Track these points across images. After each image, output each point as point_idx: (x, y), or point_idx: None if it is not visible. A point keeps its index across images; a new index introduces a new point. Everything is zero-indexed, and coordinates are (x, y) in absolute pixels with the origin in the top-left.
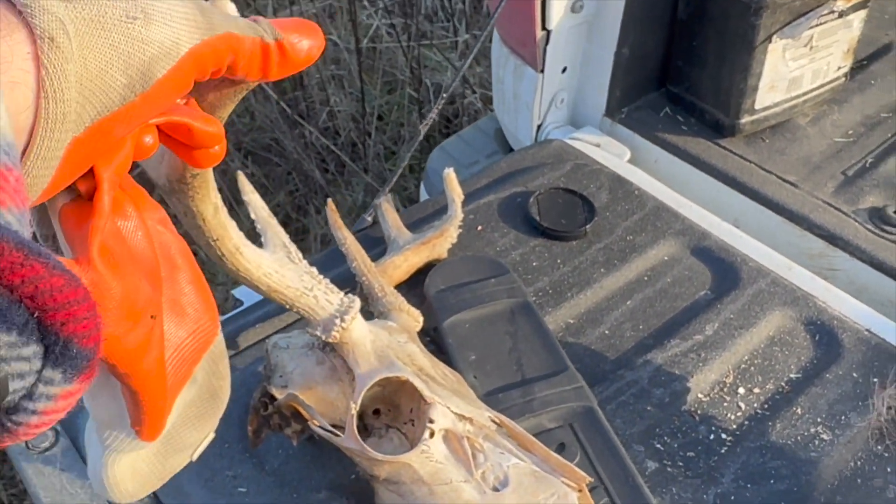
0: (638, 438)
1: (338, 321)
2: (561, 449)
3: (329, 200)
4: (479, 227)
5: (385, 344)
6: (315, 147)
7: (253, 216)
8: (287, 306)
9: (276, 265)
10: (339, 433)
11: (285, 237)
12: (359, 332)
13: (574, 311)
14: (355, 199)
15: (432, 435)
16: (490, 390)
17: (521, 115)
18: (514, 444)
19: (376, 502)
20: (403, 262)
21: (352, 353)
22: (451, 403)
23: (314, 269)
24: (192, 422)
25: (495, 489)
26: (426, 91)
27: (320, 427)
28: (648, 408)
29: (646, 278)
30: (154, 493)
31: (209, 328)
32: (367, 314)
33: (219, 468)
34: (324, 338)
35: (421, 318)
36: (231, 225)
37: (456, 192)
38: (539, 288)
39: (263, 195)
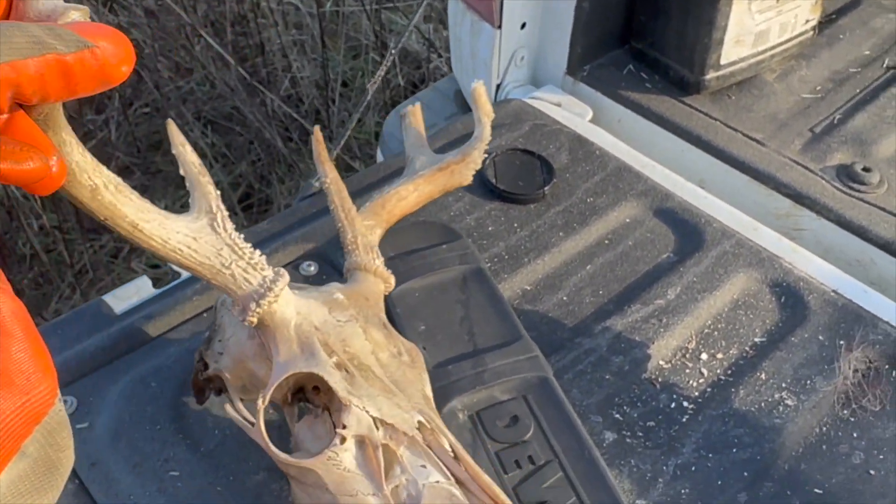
0: (596, 409)
1: (253, 304)
2: (514, 422)
3: (316, 128)
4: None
5: (316, 325)
6: (277, 115)
7: (182, 172)
8: (206, 281)
9: (190, 236)
10: (252, 422)
11: (214, 200)
12: (282, 315)
13: (531, 278)
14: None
15: (343, 441)
16: (440, 362)
17: (479, 75)
18: (443, 456)
19: (291, 495)
20: (412, 192)
21: (272, 338)
22: (372, 406)
23: (240, 240)
24: (23, 497)
25: None
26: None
27: (234, 412)
28: (607, 376)
29: (606, 242)
30: (80, 480)
31: (44, 398)
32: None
33: (149, 452)
34: (240, 319)
35: (392, 281)
36: (123, 201)
37: (485, 110)
38: (495, 254)
39: (224, 166)
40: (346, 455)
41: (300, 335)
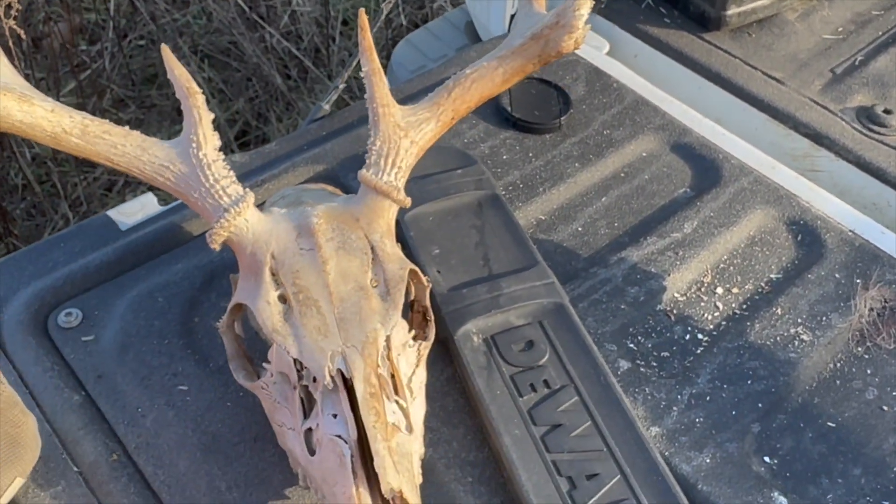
0: (610, 337)
1: (214, 225)
2: (529, 347)
3: (361, 11)
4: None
5: (273, 253)
6: (276, 51)
7: (177, 95)
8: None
9: (165, 163)
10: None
11: (194, 125)
12: (240, 240)
13: (546, 207)
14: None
15: (272, 375)
16: (455, 285)
17: (493, 4)
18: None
19: None
20: (495, 69)
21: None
22: (293, 345)
23: (215, 164)
24: None
25: (312, 452)
26: None
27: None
28: (622, 306)
29: (622, 174)
30: (86, 392)
31: None
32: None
33: (157, 365)
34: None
35: (402, 196)
36: (93, 142)
37: None
38: (509, 182)
39: (221, 102)
40: (275, 388)
41: (253, 262)
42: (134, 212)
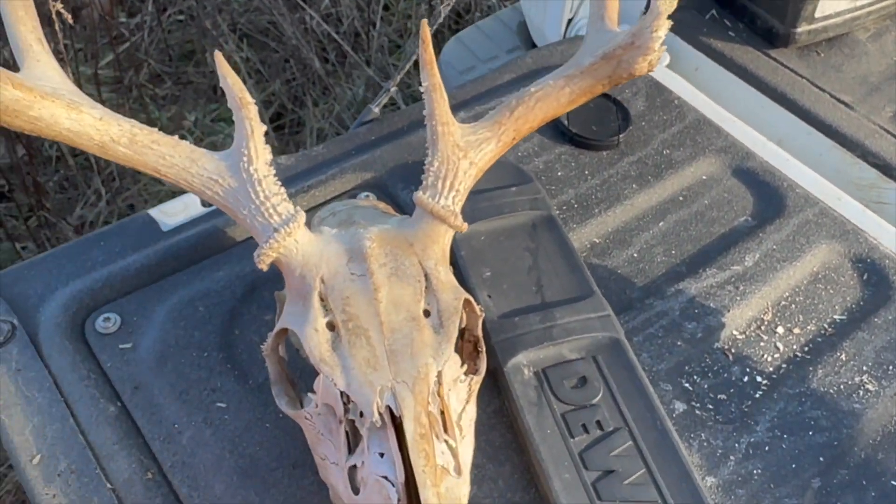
0: (665, 376)
1: (262, 246)
2: (582, 383)
3: (423, 22)
4: None
5: (323, 277)
6: (316, 34)
7: (229, 105)
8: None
9: (215, 176)
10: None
11: (246, 138)
12: (289, 262)
13: (601, 230)
14: (355, 93)
15: (317, 406)
16: (506, 312)
17: (549, 7)
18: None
19: None
20: (562, 88)
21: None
22: (341, 377)
23: (267, 179)
24: None
25: (355, 490)
26: None
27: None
28: (678, 343)
29: (681, 198)
30: (122, 403)
31: None
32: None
33: (195, 379)
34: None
35: (459, 222)
36: (141, 152)
37: None
38: (563, 201)
39: (258, 83)
40: (319, 419)
41: (301, 286)
42: (176, 212)
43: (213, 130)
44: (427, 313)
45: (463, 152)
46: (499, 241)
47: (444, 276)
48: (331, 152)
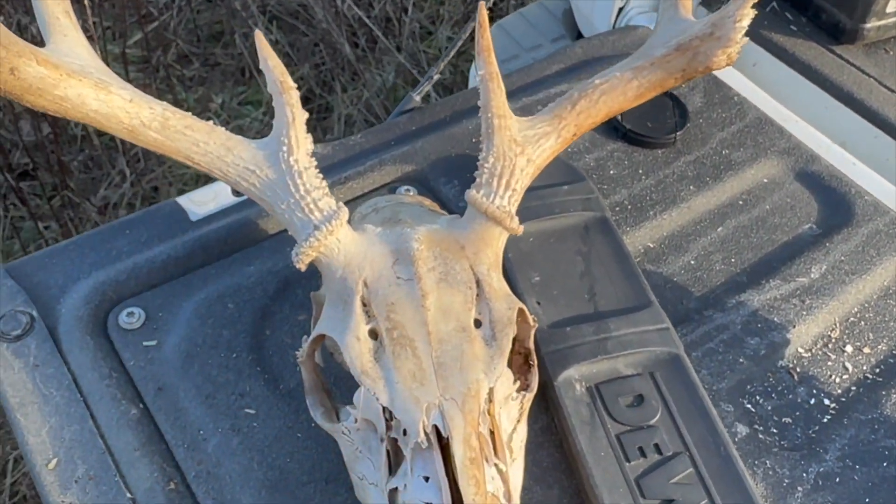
0: (727, 396)
1: (301, 244)
2: (639, 402)
3: (481, 5)
4: None
5: (367, 280)
6: (346, 18)
7: (269, 89)
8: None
9: (251, 167)
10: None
11: (286, 126)
12: (329, 262)
13: (655, 234)
14: (385, 79)
15: (356, 421)
16: (556, 321)
17: None
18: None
19: None
20: (629, 81)
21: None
22: (384, 392)
23: (307, 171)
24: None
25: None
26: None
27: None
28: (740, 360)
29: (741, 202)
30: (145, 405)
31: None
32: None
33: (223, 382)
34: (293, 260)
35: (515, 225)
36: (173, 137)
37: None
38: (615, 202)
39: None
40: (358, 435)
41: (342, 289)
42: (206, 201)
43: (240, 114)
44: (478, 323)
45: (520, 148)
46: (549, 244)
47: (497, 282)
48: (369, 142)
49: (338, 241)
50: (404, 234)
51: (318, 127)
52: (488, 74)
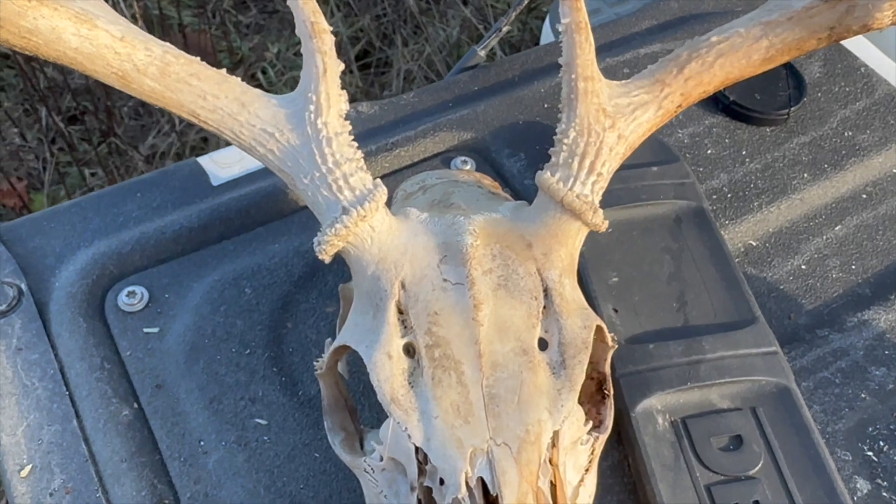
0: (843, 440)
1: (327, 230)
2: (737, 445)
3: None
4: None
5: (405, 281)
6: None
7: (297, 32)
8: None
9: (270, 129)
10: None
11: (316, 78)
12: (359, 255)
13: (759, 229)
14: (449, 34)
15: (382, 458)
16: (636, 335)
17: None
18: None
19: None
20: (757, 40)
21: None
22: (418, 430)
23: (339, 137)
24: None
25: None
26: None
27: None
28: (862, 394)
29: (865, 196)
30: (139, 405)
31: None
32: None
33: (232, 384)
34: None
35: (599, 220)
36: (175, 87)
37: None
38: (713, 188)
39: (346, 17)
40: (383, 476)
41: (373, 290)
42: (231, 162)
43: (296, 65)
44: (543, 344)
45: (610, 121)
46: (631, 237)
47: (570, 292)
48: (423, 102)
49: (371, 228)
50: (456, 223)
51: (377, 82)
52: (574, 24)
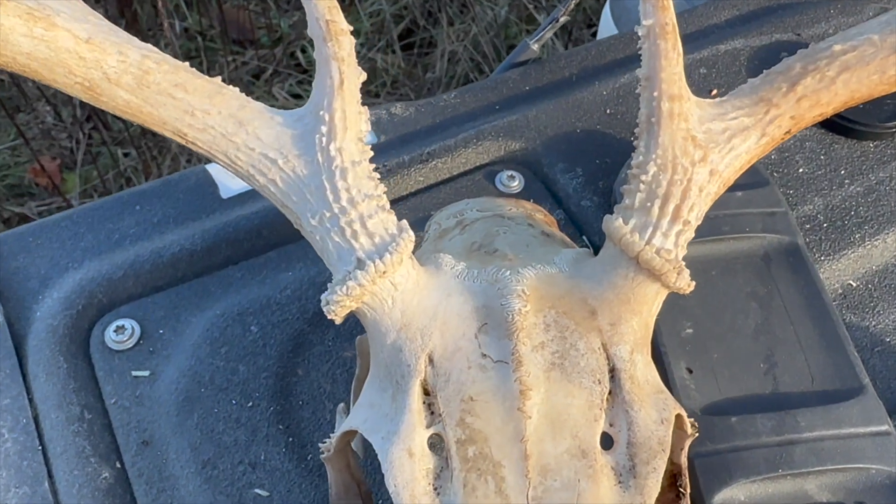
0: None
1: (337, 286)
2: None
3: None
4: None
5: (433, 354)
6: None
7: (309, 32)
8: None
9: (272, 154)
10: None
11: (330, 89)
12: (376, 318)
13: (860, 267)
14: (497, 13)
15: None
16: (715, 403)
17: None
18: None
19: None
20: (871, 59)
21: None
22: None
23: (356, 165)
24: None
25: None
26: None
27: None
28: None
29: None
30: (122, 465)
31: None
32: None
33: (230, 444)
34: (323, 306)
35: (684, 282)
36: (157, 100)
37: None
38: (805, 214)
39: None
40: None
41: (394, 365)
42: None
43: None
44: (608, 442)
45: (701, 152)
46: (710, 280)
47: (643, 372)
48: (465, 104)
49: (393, 286)
50: (501, 280)
51: (419, 63)
52: (659, 27)
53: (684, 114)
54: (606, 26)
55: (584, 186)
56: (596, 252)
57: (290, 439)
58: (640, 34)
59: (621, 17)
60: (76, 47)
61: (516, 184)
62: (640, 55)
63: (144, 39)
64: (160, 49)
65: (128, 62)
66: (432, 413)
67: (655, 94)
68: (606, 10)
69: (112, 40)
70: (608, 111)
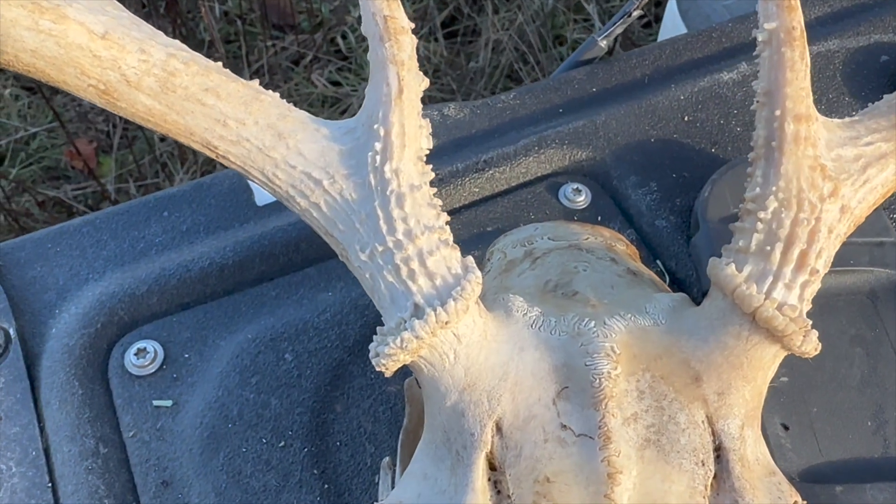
0: None
1: (391, 338)
2: None
3: None
4: None
5: (501, 421)
6: None
7: (363, 30)
8: None
9: (318, 174)
10: None
11: (386, 101)
12: (434, 377)
13: None
14: (544, 2)
15: None
16: (815, 467)
17: None
18: None
19: None
20: None
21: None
22: None
23: (415, 191)
24: None
25: None
26: None
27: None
28: None
29: None
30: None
31: None
32: None
33: (258, 490)
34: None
35: (808, 345)
36: (181, 107)
37: None
38: None
39: None
40: None
41: (455, 431)
42: None
43: None
44: None
45: (831, 185)
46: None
47: (753, 450)
48: (525, 106)
49: (456, 339)
50: (584, 334)
51: (462, 52)
52: (785, 32)
53: (812, 138)
54: (672, 22)
55: (658, 204)
56: (691, 296)
57: (326, 486)
58: (759, 39)
59: (689, 11)
60: (90, 44)
61: (582, 198)
62: (719, 56)
63: (183, 22)
64: (198, 33)
65: (150, 62)
66: (499, 493)
67: (777, 112)
68: (672, 4)
69: (133, 36)
70: (686, 118)
